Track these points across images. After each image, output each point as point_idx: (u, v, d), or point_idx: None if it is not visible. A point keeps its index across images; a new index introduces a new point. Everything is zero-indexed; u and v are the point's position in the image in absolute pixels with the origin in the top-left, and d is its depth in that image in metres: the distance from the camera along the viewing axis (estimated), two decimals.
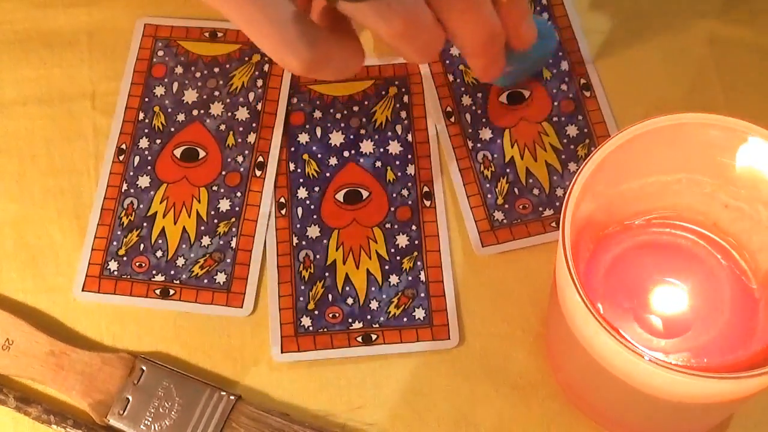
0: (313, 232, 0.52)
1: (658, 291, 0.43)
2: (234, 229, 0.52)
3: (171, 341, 0.50)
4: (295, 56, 0.40)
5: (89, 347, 0.49)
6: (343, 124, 0.55)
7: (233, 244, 0.52)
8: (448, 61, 0.56)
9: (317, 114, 0.55)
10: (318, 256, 0.51)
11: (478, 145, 0.54)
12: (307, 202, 0.53)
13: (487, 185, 0.53)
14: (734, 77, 0.54)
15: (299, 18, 0.39)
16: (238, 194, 0.53)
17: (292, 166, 0.54)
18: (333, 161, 0.54)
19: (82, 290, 0.51)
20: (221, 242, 0.52)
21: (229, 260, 0.51)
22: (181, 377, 0.48)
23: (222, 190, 0.53)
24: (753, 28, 0.56)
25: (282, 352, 0.49)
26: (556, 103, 0.55)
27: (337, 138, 0.54)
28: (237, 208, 0.53)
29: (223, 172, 0.54)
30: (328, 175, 0.53)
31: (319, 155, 0.54)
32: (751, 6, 0.56)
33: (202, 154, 0.54)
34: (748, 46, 0.55)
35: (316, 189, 0.53)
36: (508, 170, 0.53)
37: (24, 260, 0.52)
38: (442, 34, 0.45)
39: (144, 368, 0.48)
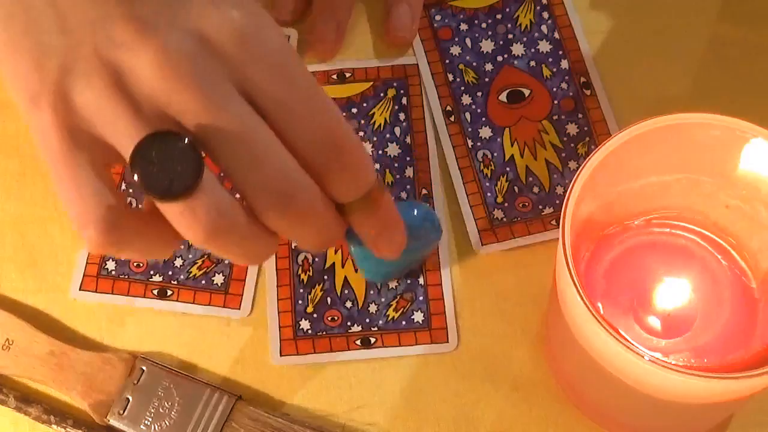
0: None
1: (658, 291, 0.43)
2: None
3: (171, 341, 0.50)
4: (88, 236, 0.37)
5: (89, 347, 0.49)
6: None
7: None
8: (447, 61, 0.56)
9: None
10: (317, 259, 0.51)
11: (478, 143, 0.54)
12: None
13: (487, 184, 0.53)
14: (734, 77, 0.54)
15: (106, 200, 0.37)
16: (237, 196, 0.53)
17: None
18: None
19: (80, 289, 0.51)
20: None
21: (227, 261, 0.51)
22: (181, 377, 0.48)
23: None
24: (753, 28, 0.56)
25: (281, 356, 0.49)
26: (556, 102, 0.54)
27: None
28: None
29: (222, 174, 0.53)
30: None
31: None
32: (751, 6, 0.56)
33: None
34: (748, 46, 0.55)
35: None
36: (507, 169, 0.53)
37: (24, 260, 0.52)
38: (268, 241, 0.39)
39: (144, 368, 0.48)
